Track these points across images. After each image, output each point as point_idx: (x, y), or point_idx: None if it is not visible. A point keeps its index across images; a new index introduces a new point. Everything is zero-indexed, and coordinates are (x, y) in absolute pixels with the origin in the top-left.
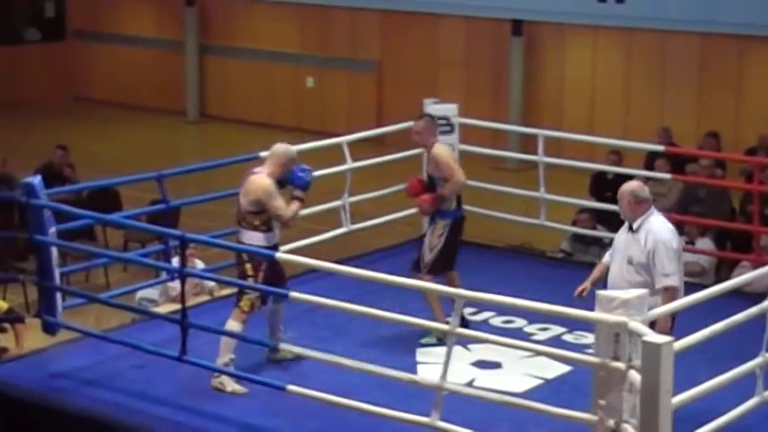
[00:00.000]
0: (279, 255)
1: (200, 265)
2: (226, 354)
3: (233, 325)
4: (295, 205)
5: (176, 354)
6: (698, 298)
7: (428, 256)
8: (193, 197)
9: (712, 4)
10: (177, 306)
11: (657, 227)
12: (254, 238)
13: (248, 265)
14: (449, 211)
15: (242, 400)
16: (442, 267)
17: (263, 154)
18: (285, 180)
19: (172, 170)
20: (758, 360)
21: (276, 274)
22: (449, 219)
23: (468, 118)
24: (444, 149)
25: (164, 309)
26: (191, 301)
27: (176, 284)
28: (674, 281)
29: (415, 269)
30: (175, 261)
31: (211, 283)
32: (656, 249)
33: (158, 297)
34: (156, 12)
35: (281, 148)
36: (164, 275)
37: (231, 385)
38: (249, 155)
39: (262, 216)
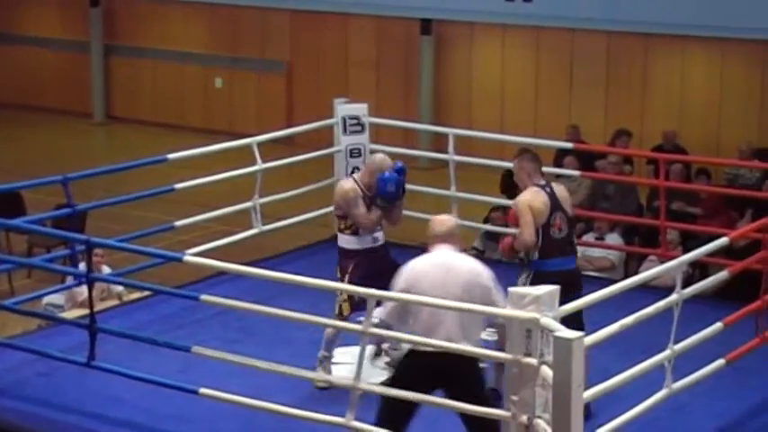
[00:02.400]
0: (186, 257)
1: (106, 269)
2: (321, 350)
3: (330, 330)
4: (374, 214)
5: (84, 360)
6: (607, 293)
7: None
8: (101, 200)
9: (618, 3)
10: (84, 311)
11: None
12: (342, 241)
13: (337, 268)
14: (532, 261)
15: (154, 405)
16: None
17: (172, 156)
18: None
19: (78, 173)
20: (666, 353)
21: (372, 275)
22: (527, 272)
23: (378, 117)
24: (527, 198)
25: (70, 314)
26: (98, 306)
27: (83, 289)
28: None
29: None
30: (82, 266)
31: (120, 288)
32: None
33: (64, 303)
34: (60, 12)
35: (376, 157)
36: (70, 280)
37: (322, 374)
38: (157, 157)
39: (347, 220)
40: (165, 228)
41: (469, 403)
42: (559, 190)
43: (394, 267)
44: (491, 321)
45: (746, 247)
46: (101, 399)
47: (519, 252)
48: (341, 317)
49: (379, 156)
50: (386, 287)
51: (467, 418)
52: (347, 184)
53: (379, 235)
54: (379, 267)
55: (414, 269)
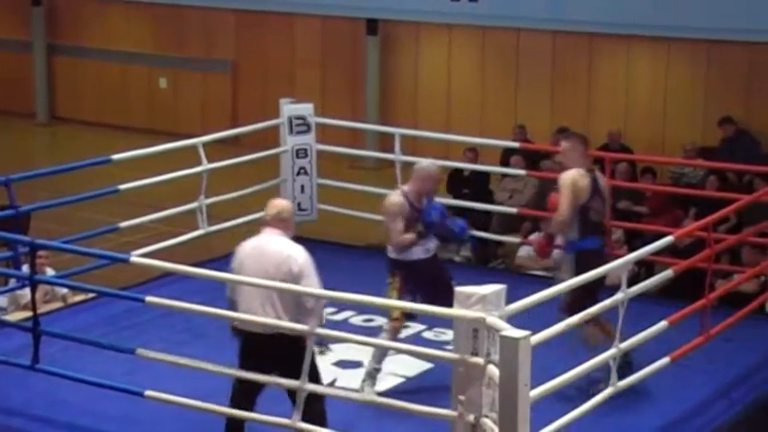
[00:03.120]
0: (133, 258)
1: (50, 271)
2: (371, 362)
3: (385, 337)
4: (409, 236)
5: (28, 363)
6: (554, 291)
7: (564, 298)
8: (45, 202)
9: (563, 3)
10: (28, 314)
11: None
12: (396, 252)
13: (390, 277)
14: (575, 244)
15: (99, 408)
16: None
17: (116, 157)
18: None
19: (21, 174)
20: (612, 351)
21: (418, 282)
22: (572, 253)
23: (325, 117)
24: (570, 177)
25: (13, 317)
26: (42, 309)
27: (26, 292)
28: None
29: (561, 311)
30: (26, 268)
31: (64, 290)
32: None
33: (7, 305)
34: (1, 11)
35: (422, 163)
36: (13, 283)
37: (370, 392)
38: (102, 158)
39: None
40: (110, 229)
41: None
42: (600, 176)
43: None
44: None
45: (691, 245)
46: (45, 402)
47: (554, 243)
48: (394, 321)
49: (426, 161)
50: (437, 296)
51: (293, 394)
52: (394, 198)
53: (432, 245)
54: (431, 276)
55: (241, 251)
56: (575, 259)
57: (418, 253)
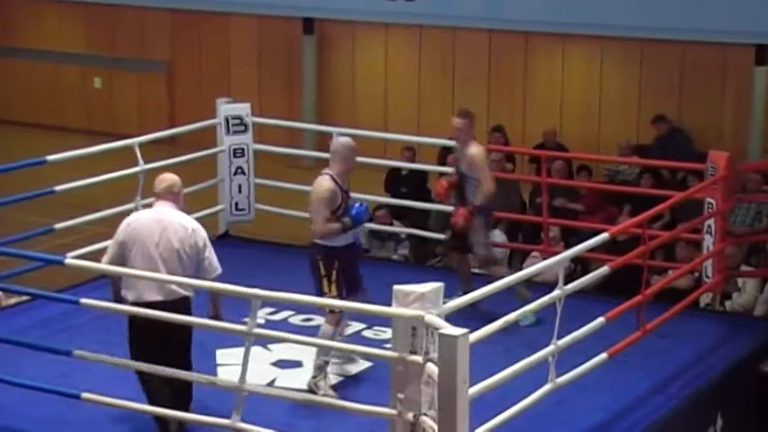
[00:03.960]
0: (68, 260)
1: None
2: (320, 355)
3: (327, 328)
4: (334, 225)
5: None
6: (491, 288)
7: (481, 251)
8: None
9: (499, 1)
10: None
11: None
12: (325, 239)
13: (321, 264)
14: (485, 207)
15: (35, 411)
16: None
17: (51, 157)
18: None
19: None
20: (550, 348)
21: (348, 268)
22: (483, 214)
23: (262, 117)
24: (482, 151)
25: None
26: None
27: None
28: None
29: (481, 268)
30: None
31: None
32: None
33: None
34: None
35: (340, 140)
36: None
37: (325, 390)
38: (37, 158)
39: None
40: (45, 230)
41: (177, 349)
42: None
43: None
44: None
45: (626, 242)
46: None
47: (475, 213)
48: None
49: (342, 138)
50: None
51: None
52: (327, 183)
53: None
54: (351, 264)
55: (132, 224)
56: (483, 219)
57: (347, 238)
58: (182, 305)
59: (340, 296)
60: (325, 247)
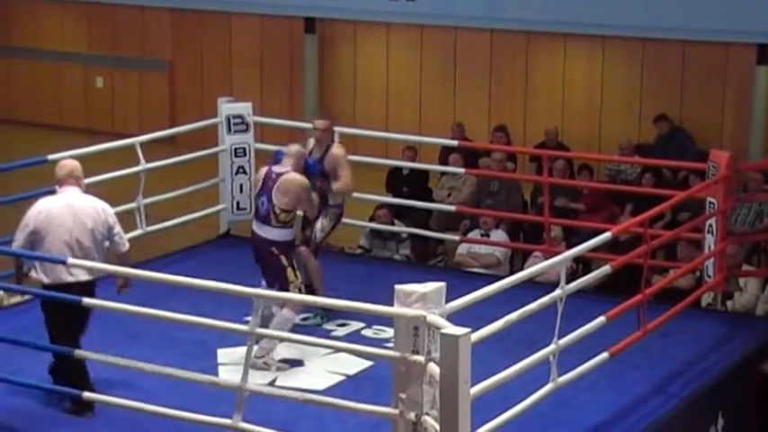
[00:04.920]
0: (70, 260)
1: None
2: (272, 341)
3: (289, 314)
4: (315, 199)
5: None
6: (493, 289)
7: (319, 236)
8: None
9: (500, 1)
10: None
11: None
12: (283, 234)
13: (282, 257)
14: (339, 203)
15: (35, 411)
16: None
17: (52, 157)
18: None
19: None
20: (551, 347)
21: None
22: (336, 210)
23: (263, 116)
24: (344, 152)
25: None
26: None
27: None
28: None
29: (305, 244)
30: None
31: (0, 292)
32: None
33: None
34: None
35: (290, 146)
36: None
37: (276, 365)
38: (38, 158)
39: (290, 214)
40: None
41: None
42: None
43: None
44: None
45: (628, 241)
46: None
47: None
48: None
49: (295, 145)
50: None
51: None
52: (300, 176)
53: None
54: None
55: (42, 210)
56: (338, 215)
57: (293, 235)
58: (92, 286)
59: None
60: (284, 243)
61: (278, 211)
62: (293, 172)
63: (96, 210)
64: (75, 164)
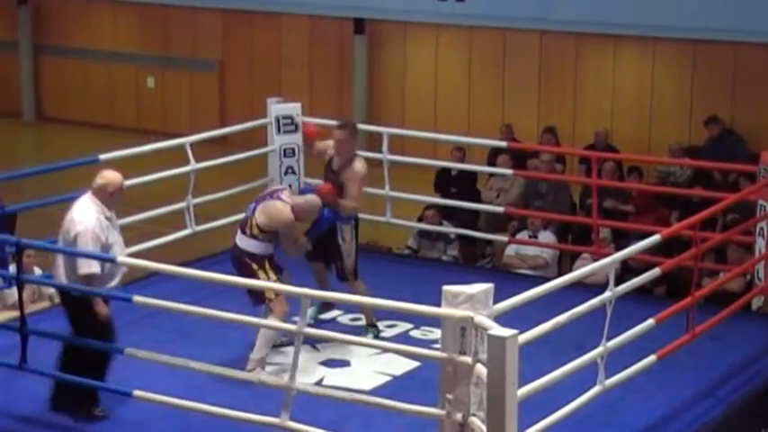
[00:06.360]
0: (120, 258)
1: (37, 271)
2: (263, 349)
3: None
4: (303, 240)
5: (16, 362)
6: (541, 290)
7: (348, 263)
8: (31, 201)
9: (550, 2)
10: (15, 314)
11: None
12: (252, 245)
13: (254, 266)
14: (348, 216)
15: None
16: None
17: (103, 156)
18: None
19: (7, 174)
20: (599, 350)
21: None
22: (351, 222)
23: (312, 117)
24: (365, 170)
25: (0, 317)
26: (29, 309)
27: (13, 291)
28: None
29: (342, 280)
30: (13, 268)
31: (51, 290)
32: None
33: None
34: None
35: (317, 201)
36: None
37: (264, 374)
38: (89, 157)
39: (270, 234)
40: None
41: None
42: None
43: None
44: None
45: (675, 244)
46: (32, 402)
47: (337, 206)
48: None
49: (312, 197)
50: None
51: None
52: (289, 213)
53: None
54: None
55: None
56: (354, 227)
57: (269, 249)
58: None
59: (278, 278)
60: (255, 254)
61: (254, 223)
62: (290, 206)
63: (69, 217)
64: (111, 180)
